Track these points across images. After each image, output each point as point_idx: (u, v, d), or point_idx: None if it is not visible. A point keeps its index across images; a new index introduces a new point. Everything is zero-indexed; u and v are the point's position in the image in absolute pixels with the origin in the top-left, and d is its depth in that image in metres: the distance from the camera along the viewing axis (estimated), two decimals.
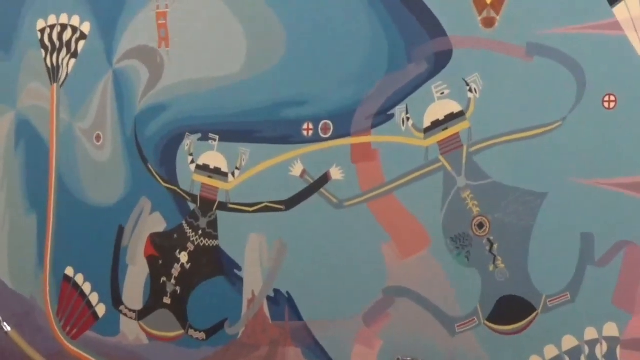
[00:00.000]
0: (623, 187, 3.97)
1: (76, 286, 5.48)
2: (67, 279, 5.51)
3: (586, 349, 4.05)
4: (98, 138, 5.40)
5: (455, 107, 4.33)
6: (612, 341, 3.99)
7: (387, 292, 4.50)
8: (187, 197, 5.14)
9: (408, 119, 4.45)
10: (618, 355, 3.98)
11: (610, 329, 3.99)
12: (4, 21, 5.75)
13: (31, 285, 5.55)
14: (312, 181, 4.71)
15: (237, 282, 4.97)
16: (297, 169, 4.76)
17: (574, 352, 4.07)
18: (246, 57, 4.93)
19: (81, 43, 5.47)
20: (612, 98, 3.97)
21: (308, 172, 4.72)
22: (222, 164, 5.00)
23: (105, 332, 5.35)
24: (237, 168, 4.96)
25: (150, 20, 5.20)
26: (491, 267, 4.25)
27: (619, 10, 3.96)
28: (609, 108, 3.98)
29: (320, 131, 4.69)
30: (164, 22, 5.16)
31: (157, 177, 5.23)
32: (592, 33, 4.02)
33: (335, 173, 4.65)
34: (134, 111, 5.29)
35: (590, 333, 4.03)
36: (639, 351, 3.96)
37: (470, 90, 4.29)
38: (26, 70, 5.69)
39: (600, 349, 4.03)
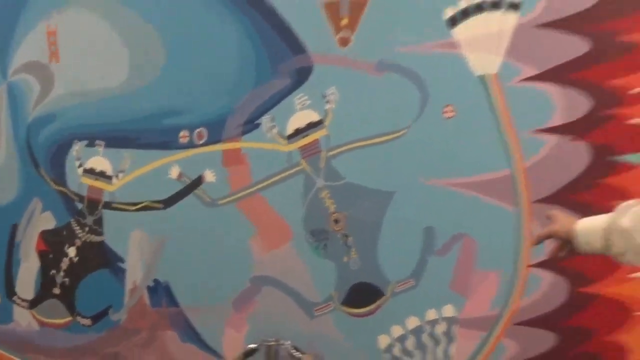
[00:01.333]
0: (460, 186, 3.83)
1: None
2: None
3: (427, 328, 3.86)
4: None
5: (315, 117, 4.08)
6: (450, 321, 3.82)
7: (253, 281, 4.22)
8: (75, 197, 4.68)
9: (273, 127, 4.17)
10: (455, 333, 3.81)
11: (449, 311, 3.81)
12: None
13: None
14: (188, 182, 4.36)
15: (120, 273, 4.56)
16: (174, 172, 4.39)
17: (417, 331, 3.88)
18: (129, 71, 4.57)
19: None
20: (451, 109, 3.77)
21: (184, 174, 4.37)
22: (107, 167, 4.59)
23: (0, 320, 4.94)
24: (120, 171, 4.56)
25: (41, 38, 4.80)
26: (345, 258, 4.03)
27: (456, 32, 3.76)
28: (448, 117, 3.77)
29: (195, 138, 4.36)
30: (54, 40, 4.75)
31: (48, 180, 4.76)
32: (434, 51, 3.83)
33: (209, 175, 4.31)
34: (27, 120, 4.85)
35: (431, 314, 3.84)
36: (472, 329, 3.83)
37: (328, 102, 4.04)
38: None
39: (440, 328, 3.83)
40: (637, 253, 1.96)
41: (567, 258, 2.19)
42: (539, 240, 2.29)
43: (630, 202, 1.98)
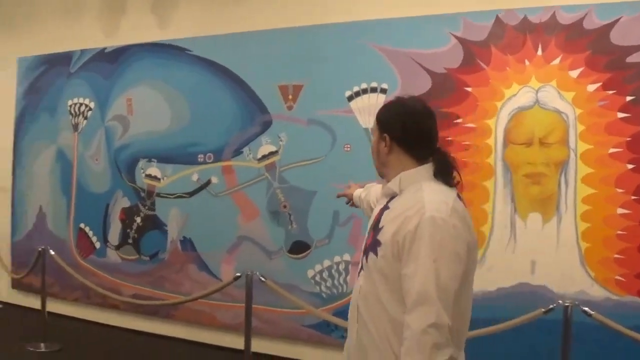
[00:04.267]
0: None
1: (85, 233, 4.37)
2: (81, 229, 4.39)
3: (334, 266, 3.47)
4: (97, 159, 4.31)
5: (273, 149, 3.63)
6: (347, 263, 3.44)
7: (238, 238, 3.73)
8: (140, 190, 4.13)
9: (250, 153, 3.67)
10: (349, 269, 3.42)
11: (346, 257, 3.43)
12: (53, 99, 4.48)
13: (64, 232, 4.40)
14: (202, 183, 3.85)
15: (164, 232, 3.99)
16: (194, 177, 3.87)
17: (329, 268, 3.49)
18: (170, 121, 3.97)
19: (89, 112, 4.35)
20: (349, 146, 3.39)
21: (200, 178, 3.85)
22: (158, 173, 4.02)
23: (99, 255, 4.30)
24: (165, 176, 4.01)
25: (123, 102, 4.16)
26: (289, 227, 3.60)
27: (352, 104, 3.35)
28: (346, 151, 3.39)
29: (206, 158, 3.83)
30: (130, 103, 4.11)
31: (126, 180, 4.18)
32: (339, 114, 3.40)
33: (214, 179, 3.80)
34: (114, 147, 4.23)
35: (337, 259, 3.47)
36: (356, 267, 3.29)
37: (281, 140, 3.60)
38: (62, 124, 4.46)
39: (341, 266, 3.45)
40: (365, 209, 1.93)
41: (351, 205, 2.11)
42: (339, 196, 2.15)
43: (370, 183, 1.95)
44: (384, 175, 1.51)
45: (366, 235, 1.50)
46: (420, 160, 1.42)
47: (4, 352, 3.57)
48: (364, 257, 1.44)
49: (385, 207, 1.43)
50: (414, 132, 1.42)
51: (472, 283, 1.42)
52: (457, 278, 1.29)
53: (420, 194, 1.35)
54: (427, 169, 1.41)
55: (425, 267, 1.27)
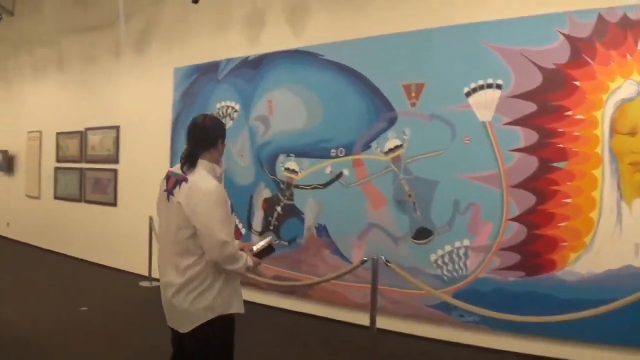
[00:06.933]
0: (472, 178, 4.18)
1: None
2: None
3: (455, 251, 4.25)
4: (242, 155, 5.56)
5: (399, 142, 4.52)
6: (467, 248, 4.21)
7: (367, 225, 4.69)
8: (280, 182, 5.27)
9: (377, 147, 4.62)
10: (469, 254, 4.19)
11: (466, 242, 4.21)
12: (203, 103, 5.92)
13: None
14: (335, 175, 4.86)
15: (302, 220, 5.11)
16: (328, 170, 4.90)
17: (450, 252, 4.27)
18: (305, 120, 5.09)
19: (235, 114, 5.65)
20: (468, 138, 4.19)
21: (333, 171, 4.86)
22: (296, 167, 5.14)
23: (244, 241, 4.85)
24: (302, 169, 5.10)
25: (264, 103, 5.36)
26: (414, 214, 4.43)
27: (470, 99, 4.19)
28: (466, 143, 4.20)
29: (338, 153, 4.85)
30: (270, 104, 5.31)
31: (267, 173, 5.35)
32: (458, 109, 4.22)
33: (345, 172, 4.81)
34: (257, 144, 5.43)
35: (457, 244, 4.25)
36: (478, 252, 4.17)
37: (405, 135, 4.48)
38: None
39: (461, 251, 4.23)
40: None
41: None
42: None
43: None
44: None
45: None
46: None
47: None
48: None
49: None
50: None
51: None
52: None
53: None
54: None
55: None
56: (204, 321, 2.36)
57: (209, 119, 2.51)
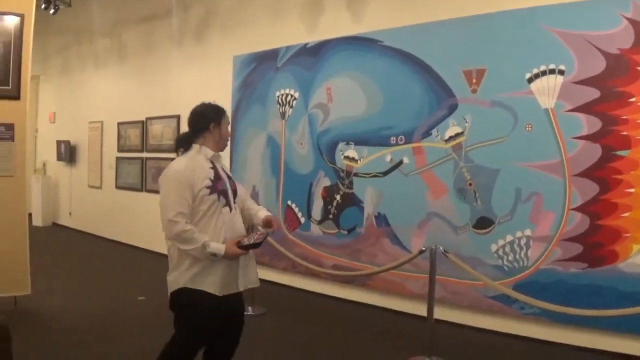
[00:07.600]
0: (534, 166, 4.31)
1: (292, 209, 5.95)
2: (289, 206, 5.99)
3: (517, 241, 4.39)
4: (301, 143, 5.87)
5: (459, 130, 4.70)
6: (528, 237, 4.34)
7: (427, 215, 4.90)
8: (340, 170, 5.52)
9: (438, 135, 4.82)
10: (530, 244, 4.32)
11: (528, 232, 4.34)
12: (263, 91, 6.26)
13: (274, 209, 5.95)
14: (395, 163, 5.07)
15: (361, 208, 5.35)
16: (388, 157, 5.11)
17: (511, 242, 4.41)
18: (365, 107, 5.32)
19: (294, 101, 5.96)
20: (530, 126, 4.32)
21: (393, 159, 5.08)
22: (355, 155, 5.38)
23: (304, 229, 5.83)
24: (361, 157, 5.34)
25: (324, 91, 5.64)
26: (474, 203, 4.60)
27: (532, 86, 4.30)
28: (528, 131, 4.32)
29: (398, 141, 5.07)
30: (329, 92, 5.59)
31: (327, 161, 5.63)
32: (520, 96, 4.35)
33: (405, 160, 5.02)
34: (317, 132, 5.75)
35: (519, 234, 4.38)
36: (539, 242, 4.29)
37: (466, 122, 4.65)
38: (271, 113, 6.18)
39: (523, 241, 4.36)
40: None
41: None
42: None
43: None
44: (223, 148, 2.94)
45: (227, 183, 2.87)
46: None
47: None
48: (234, 198, 2.86)
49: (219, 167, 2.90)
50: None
51: None
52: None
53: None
54: None
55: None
56: (171, 290, 2.78)
57: (204, 106, 2.95)
